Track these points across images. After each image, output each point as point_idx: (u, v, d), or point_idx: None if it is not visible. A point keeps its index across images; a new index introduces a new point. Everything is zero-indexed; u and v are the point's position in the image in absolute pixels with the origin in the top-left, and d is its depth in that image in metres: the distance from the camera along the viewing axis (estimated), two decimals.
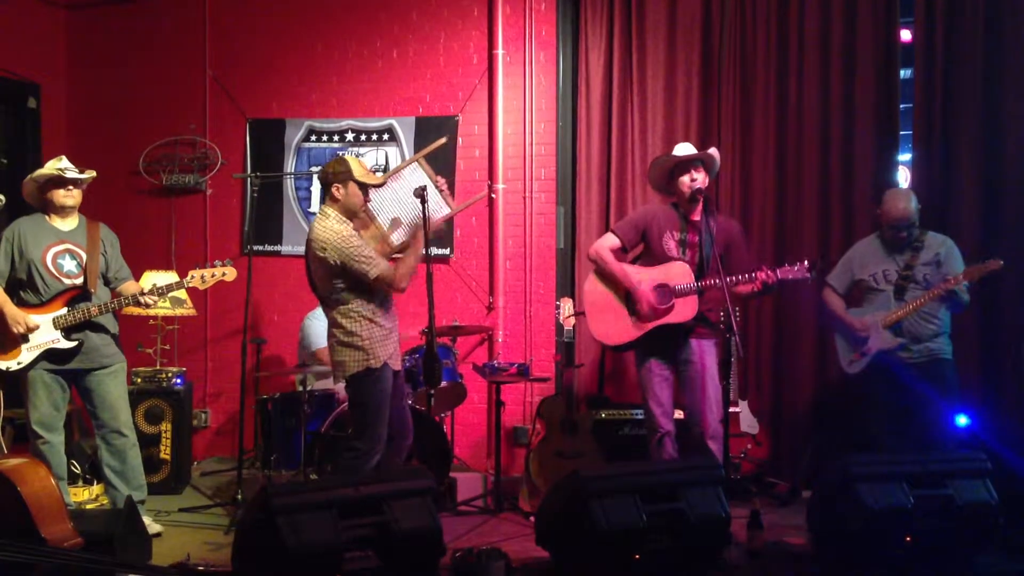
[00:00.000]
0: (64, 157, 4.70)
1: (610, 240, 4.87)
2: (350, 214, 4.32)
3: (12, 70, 6.57)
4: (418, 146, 6.35)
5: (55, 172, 4.59)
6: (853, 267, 4.96)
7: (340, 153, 6.45)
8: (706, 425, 4.60)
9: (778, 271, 4.52)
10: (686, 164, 4.72)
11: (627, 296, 4.76)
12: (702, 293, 4.60)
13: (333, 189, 4.29)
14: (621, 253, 4.89)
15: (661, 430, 4.70)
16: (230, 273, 4.70)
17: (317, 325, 5.94)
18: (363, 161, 4.52)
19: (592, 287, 4.88)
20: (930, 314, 4.71)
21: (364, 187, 4.33)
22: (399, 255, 4.43)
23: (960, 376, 5.15)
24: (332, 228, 4.22)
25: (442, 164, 6.28)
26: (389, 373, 4.29)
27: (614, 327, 4.79)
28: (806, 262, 4.53)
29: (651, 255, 4.82)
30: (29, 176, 4.66)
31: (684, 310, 4.63)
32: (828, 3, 5.62)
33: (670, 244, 4.75)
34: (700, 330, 4.70)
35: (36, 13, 6.81)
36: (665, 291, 4.66)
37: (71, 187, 4.65)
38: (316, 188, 6.58)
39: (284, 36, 6.66)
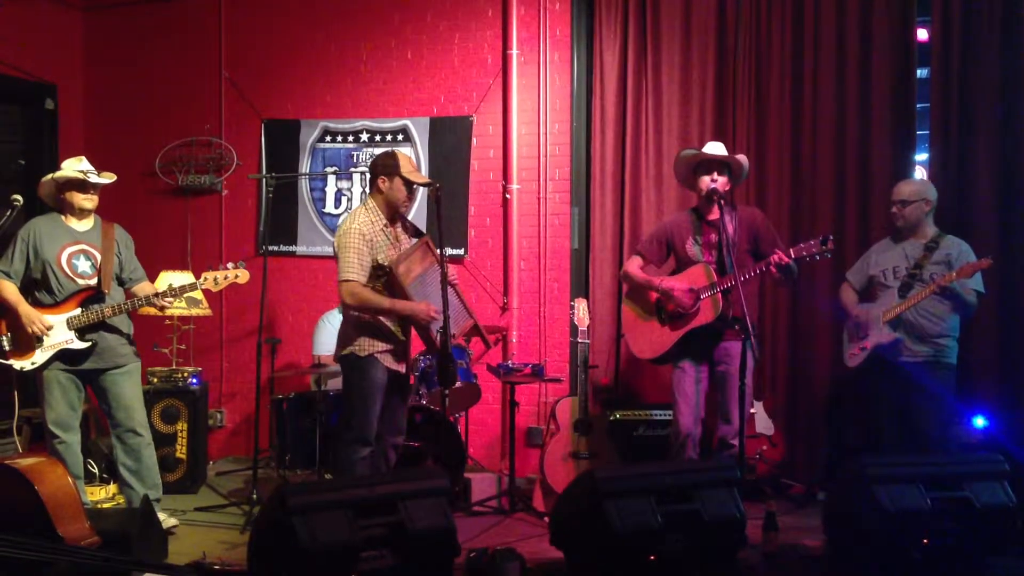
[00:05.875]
0: (84, 158, 4.72)
1: (636, 260, 5.02)
2: (391, 209, 4.37)
3: (29, 71, 6.61)
4: (432, 146, 6.36)
5: (78, 175, 4.60)
6: (869, 263, 4.97)
7: (356, 154, 6.49)
8: (734, 429, 4.63)
9: (791, 250, 4.55)
10: (710, 164, 4.74)
11: (657, 306, 4.87)
12: (727, 292, 4.60)
13: (379, 181, 4.35)
14: (652, 270, 4.99)
15: (686, 432, 4.71)
16: (243, 275, 4.71)
17: (326, 329, 5.95)
18: (411, 159, 4.49)
19: (627, 307, 5.09)
20: (935, 314, 4.67)
21: (409, 184, 4.35)
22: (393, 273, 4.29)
23: (977, 377, 5.15)
24: (356, 215, 4.32)
25: (456, 165, 6.30)
26: (377, 368, 4.30)
27: (649, 340, 4.90)
28: (820, 237, 4.53)
29: (680, 265, 4.90)
30: (49, 176, 4.67)
31: (708, 311, 4.65)
32: (844, 2, 5.58)
33: (694, 249, 4.82)
34: (731, 332, 4.70)
35: (53, 14, 6.85)
36: (691, 295, 4.68)
37: (91, 191, 4.67)
38: (331, 188, 6.59)
39: (299, 37, 6.68)
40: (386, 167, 4.35)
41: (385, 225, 4.35)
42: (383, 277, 4.27)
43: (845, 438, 5.54)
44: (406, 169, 4.34)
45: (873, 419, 4.97)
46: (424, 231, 4.64)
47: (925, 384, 4.62)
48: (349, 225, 4.28)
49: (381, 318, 4.30)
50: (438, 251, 4.39)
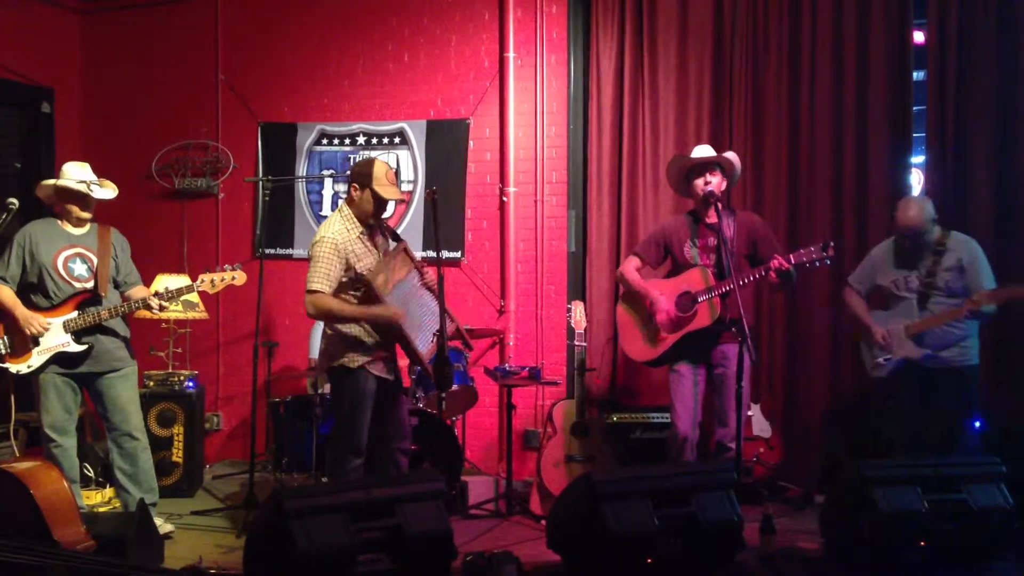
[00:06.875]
0: (87, 165, 4.70)
1: (633, 261, 5.00)
2: (363, 217, 4.28)
3: (26, 74, 6.60)
4: (428, 149, 6.36)
5: (80, 188, 4.59)
6: (875, 271, 4.91)
7: (353, 157, 6.48)
8: (731, 431, 4.63)
9: (791, 256, 4.53)
10: (701, 167, 4.74)
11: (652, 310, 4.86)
12: (725, 295, 4.60)
13: (351, 188, 4.27)
14: (648, 271, 4.99)
15: (684, 435, 4.70)
16: (239, 277, 4.70)
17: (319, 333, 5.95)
18: (390, 169, 4.34)
19: (622, 309, 5.08)
20: (954, 321, 4.61)
21: (379, 197, 4.24)
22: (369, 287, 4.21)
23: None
24: (331, 223, 4.24)
25: (453, 168, 6.29)
26: (367, 379, 4.25)
27: (643, 343, 4.90)
28: (820, 243, 4.50)
29: (677, 268, 4.89)
30: (52, 181, 4.65)
31: (705, 315, 4.65)
32: (840, 4, 5.58)
33: (692, 252, 4.81)
34: (728, 335, 4.69)
35: (50, 18, 6.85)
36: (688, 298, 4.69)
37: (91, 204, 4.67)
38: (328, 191, 6.59)
39: (295, 40, 6.67)
40: (359, 176, 4.23)
41: (362, 233, 4.25)
42: (362, 289, 4.20)
43: (843, 440, 5.54)
44: (379, 181, 4.20)
45: (891, 427, 4.91)
46: (401, 236, 4.56)
47: (947, 389, 4.61)
48: (322, 234, 4.18)
49: (360, 329, 4.24)
50: (417, 256, 4.38)
